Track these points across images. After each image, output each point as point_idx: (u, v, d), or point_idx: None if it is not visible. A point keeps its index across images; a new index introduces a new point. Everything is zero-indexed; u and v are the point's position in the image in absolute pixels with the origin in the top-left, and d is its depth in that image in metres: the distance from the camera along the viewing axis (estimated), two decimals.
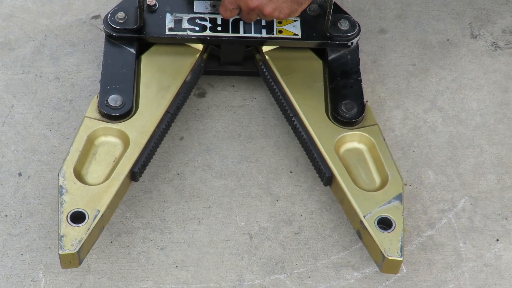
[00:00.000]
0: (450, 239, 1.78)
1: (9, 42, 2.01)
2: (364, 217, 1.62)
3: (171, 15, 1.83)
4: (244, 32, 1.82)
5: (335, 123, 1.75)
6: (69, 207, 1.59)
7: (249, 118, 1.91)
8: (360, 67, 1.84)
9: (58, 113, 1.90)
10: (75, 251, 1.55)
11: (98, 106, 1.72)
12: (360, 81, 1.81)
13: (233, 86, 1.96)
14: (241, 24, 1.83)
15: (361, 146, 1.75)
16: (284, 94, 1.81)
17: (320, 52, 1.86)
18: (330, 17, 1.80)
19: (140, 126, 1.72)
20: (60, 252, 1.55)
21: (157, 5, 1.84)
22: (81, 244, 1.55)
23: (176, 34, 1.81)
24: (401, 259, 1.58)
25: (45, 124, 1.89)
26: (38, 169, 1.82)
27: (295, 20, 1.85)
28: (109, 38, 1.80)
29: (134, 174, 1.68)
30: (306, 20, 1.85)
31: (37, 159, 1.84)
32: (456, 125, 1.94)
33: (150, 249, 1.73)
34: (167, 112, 1.75)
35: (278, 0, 1.69)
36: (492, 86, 2.00)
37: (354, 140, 1.75)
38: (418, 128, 1.93)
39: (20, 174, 1.82)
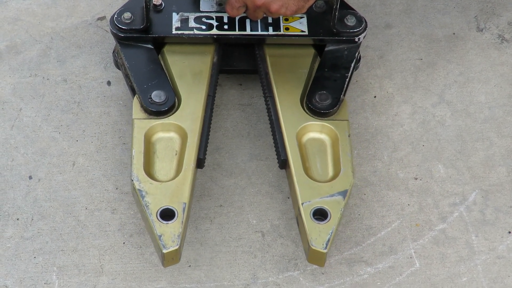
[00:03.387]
0: (462, 232, 1.79)
1: (15, 46, 2.01)
2: (302, 204, 1.62)
3: (177, 14, 1.83)
4: (251, 30, 1.83)
5: (306, 111, 1.75)
6: (155, 207, 1.60)
7: (257, 116, 1.92)
8: (353, 65, 1.82)
9: (66, 115, 1.91)
10: (177, 246, 1.56)
11: (142, 106, 1.72)
12: (346, 77, 1.80)
13: (241, 84, 1.97)
14: (248, 22, 1.83)
15: (325, 137, 1.74)
16: (267, 74, 1.81)
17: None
18: (336, 13, 1.80)
19: (190, 114, 1.73)
20: (165, 251, 1.55)
21: (163, 4, 1.84)
22: (180, 238, 1.56)
23: (183, 33, 1.81)
24: (324, 251, 1.57)
25: (54, 126, 1.89)
26: (48, 171, 1.83)
27: (301, 17, 1.85)
28: (121, 41, 1.80)
29: (200, 161, 1.69)
30: (312, 16, 1.85)
31: (47, 161, 1.84)
32: (465, 118, 1.94)
33: None
34: (208, 95, 1.76)
35: None
36: (499, 78, 2.01)
37: (319, 131, 1.75)
38: (427, 122, 1.93)
39: (30, 177, 1.82)
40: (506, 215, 1.81)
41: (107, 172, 1.84)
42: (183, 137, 1.70)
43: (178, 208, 1.60)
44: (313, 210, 1.61)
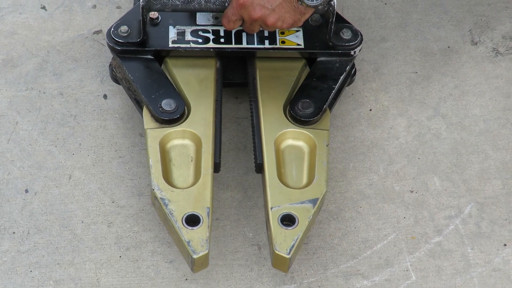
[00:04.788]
0: (458, 245, 1.79)
1: (12, 59, 2.01)
2: (271, 208, 1.62)
3: (174, 27, 1.84)
4: (247, 43, 1.83)
5: (288, 117, 1.76)
6: (180, 214, 1.60)
7: None
8: (342, 77, 1.83)
9: (63, 128, 1.91)
10: (207, 251, 1.56)
11: (153, 115, 1.73)
12: (333, 88, 1.80)
13: (237, 97, 1.97)
14: (244, 35, 1.84)
15: (303, 145, 1.75)
16: (254, 79, 1.83)
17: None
18: (332, 27, 1.81)
19: (202, 120, 1.74)
20: (195, 256, 1.55)
21: (160, 18, 1.85)
22: (208, 243, 1.57)
23: (179, 47, 1.81)
24: (288, 256, 1.57)
25: (50, 140, 1.89)
26: (44, 185, 1.83)
27: (297, 30, 1.86)
28: (120, 54, 1.81)
29: (217, 165, 1.70)
30: (308, 30, 1.86)
31: (43, 175, 1.84)
32: (460, 131, 1.95)
33: (159, 263, 1.74)
34: (216, 100, 1.77)
35: (281, 10, 1.69)
36: (494, 91, 2.01)
37: (298, 138, 1.75)
38: (423, 135, 1.94)
39: (26, 191, 1.82)
40: (502, 228, 1.81)
41: (103, 186, 1.83)
42: (197, 143, 1.71)
43: (202, 213, 1.60)
44: (281, 216, 1.61)
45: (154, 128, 1.72)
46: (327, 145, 1.73)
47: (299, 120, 1.75)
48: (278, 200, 1.64)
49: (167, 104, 1.73)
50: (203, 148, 1.70)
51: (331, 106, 1.83)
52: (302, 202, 1.64)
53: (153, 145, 1.70)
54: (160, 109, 1.73)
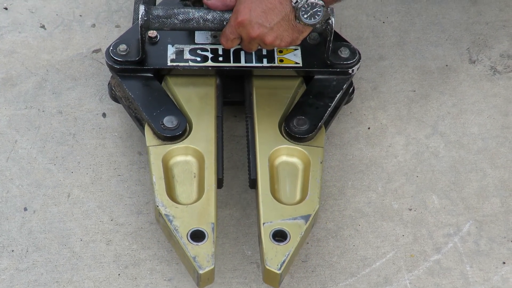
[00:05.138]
0: (457, 263, 1.79)
1: (11, 78, 2.02)
2: (263, 224, 1.63)
3: (172, 46, 1.85)
4: (245, 62, 1.84)
5: (282, 134, 1.77)
6: (185, 230, 1.60)
7: None
8: (339, 96, 1.83)
9: (61, 147, 1.91)
10: (213, 266, 1.56)
11: (156, 133, 1.74)
12: (329, 106, 1.81)
13: (235, 116, 1.97)
14: (242, 54, 1.85)
15: (298, 162, 1.75)
16: (250, 95, 1.84)
17: None
18: (330, 45, 1.81)
19: (204, 136, 1.75)
20: (201, 272, 1.56)
21: (159, 36, 1.86)
22: (213, 258, 1.57)
23: (178, 65, 1.82)
24: (278, 272, 1.57)
25: (49, 158, 1.90)
26: (43, 203, 1.83)
27: (295, 49, 1.87)
28: (119, 73, 1.81)
29: (220, 181, 1.71)
30: (306, 48, 1.87)
31: (42, 193, 1.84)
32: (458, 149, 1.95)
33: (157, 281, 1.74)
34: (217, 116, 1.79)
35: (279, 29, 1.70)
36: (492, 110, 2.02)
37: (293, 155, 1.76)
38: (421, 153, 1.94)
39: (25, 209, 1.82)
40: (501, 246, 1.81)
41: (102, 204, 1.84)
42: (200, 159, 1.72)
43: (207, 228, 1.61)
44: (273, 231, 1.61)
45: (157, 145, 1.73)
46: (321, 162, 1.73)
47: (294, 136, 1.75)
48: (271, 215, 1.64)
49: (169, 121, 1.74)
50: (206, 164, 1.71)
51: (327, 124, 1.84)
52: (295, 218, 1.64)
53: (156, 162, 1.70)
54: (162, 126, 1.74)
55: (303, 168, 1.74)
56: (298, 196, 1.70)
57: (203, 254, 1.57)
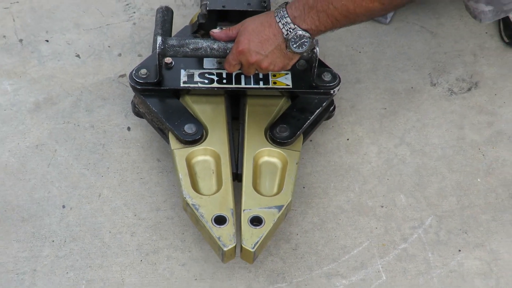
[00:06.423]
0: (420, 250, 1.79)
1: (51, 98, 2.03)
2: (244, 210, 1.63)
3: (184, 70, 1.86)
4: (245, 84, 1.84)
5: (267, 138, 1.77)
6: (209, 216, 1.62)
7: None
8: (318, 111, 1.83)
9: (93, 155, 1.92)
10: (235, 243, 1.58)
11: (178, 138, 1.75)
12: (309, 119, 1.81)
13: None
14: (243, 77, 1.86)
15: (277, 162, 1.76)
16: (244, 105, 1.85)
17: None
18: (315, 70, 1.82)
19: (219, 139, 1.76)
20: (225, 249, 1.57)
21: (173, 62, 1.86)
22: (235, 237, 1.59)
23: (189, 86, 1.83)
24: (252, 250, 1.58)
25: (83, 164, 1.90)
26: (78, 201, 1.84)
27: (286, 73, 1.87)
28: (142, 93, 1.82)
29: (234, 175, 1.72)
30: (295, 73, 1.87)
31: (77, 193, 1.85)
32: (422, 157, 1.96)
33: (173, 265, 1.74)
34: (227, 122, 1.80)
35: (273, 56, 1.70)
36: (449, 124, 2.02)
37: (273, 156, 1.76)
38: (391, 160, 1.95)
39: (63, 206, 1.83)
40: (457, 236, 1.82)
41: (127, 202, 1.84)
42: (216, 158, 1.73)
43: (227, 213, 1.62)
44: (251, 217, 1.62)
45: (180, 148, 1.74)
46: (296, 163, 1.74)
47: (276, 141, 1.76)
48: (250, 204, 1.65)
49: (189, 128, 1.76)
50: (222, 162, 1.72)
51: (306, 134, 1.85)
52: (270, 208, 1.65)
53: (181, 162, 1.72)
54: (184, 132, 1.75)
55: (281, 167, 1.75)
56: (275, 190, 1.71)
57: (225, 234, 1.59)
